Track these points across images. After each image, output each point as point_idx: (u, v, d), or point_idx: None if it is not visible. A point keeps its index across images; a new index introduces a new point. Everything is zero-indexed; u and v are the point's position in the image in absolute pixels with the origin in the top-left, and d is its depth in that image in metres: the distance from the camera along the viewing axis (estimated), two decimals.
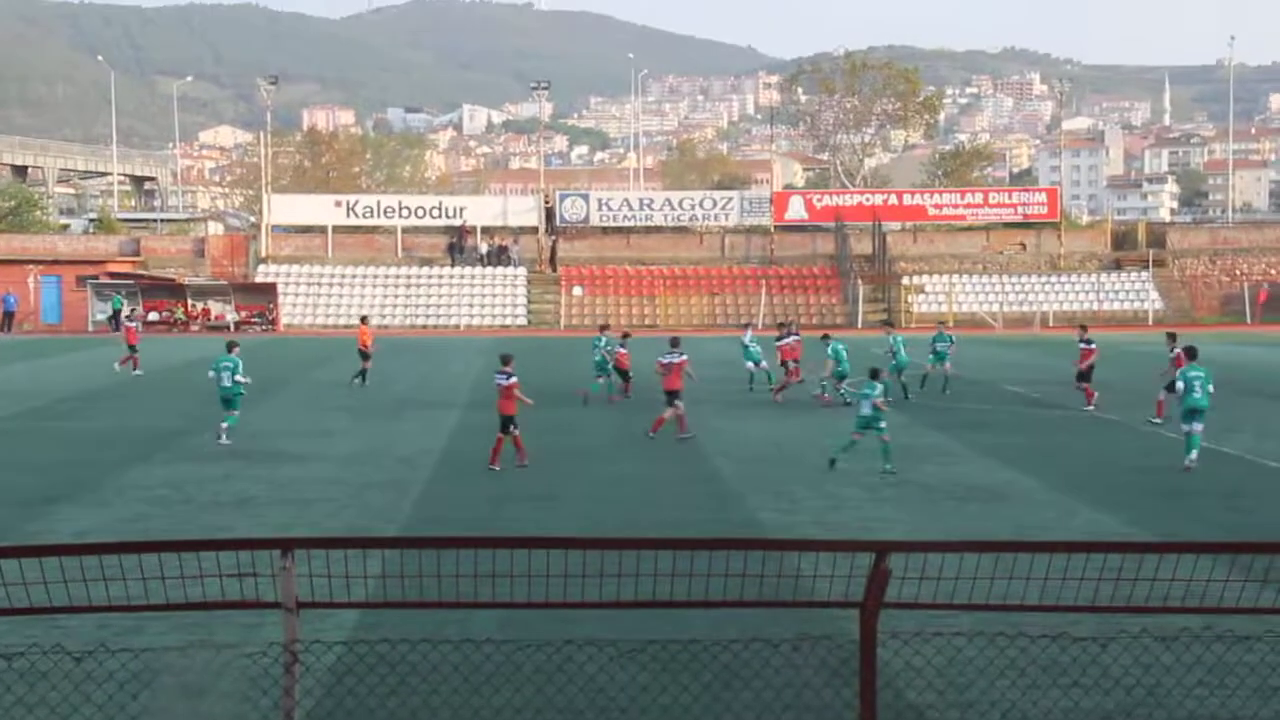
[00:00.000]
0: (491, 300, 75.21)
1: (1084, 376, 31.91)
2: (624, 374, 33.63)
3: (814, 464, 23.20)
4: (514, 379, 22.54)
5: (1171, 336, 30.33)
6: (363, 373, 37.58)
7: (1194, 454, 22.00)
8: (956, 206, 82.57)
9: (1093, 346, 32.01)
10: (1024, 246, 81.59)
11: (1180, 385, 22.58)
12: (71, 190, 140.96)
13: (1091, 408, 30.91)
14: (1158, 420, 28.25)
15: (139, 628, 11.81)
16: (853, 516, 18.42)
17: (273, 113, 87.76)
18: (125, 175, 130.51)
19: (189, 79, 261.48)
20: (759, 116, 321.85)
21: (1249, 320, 73.10)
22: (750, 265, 78.74)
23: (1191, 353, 22.99)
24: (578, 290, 75.72)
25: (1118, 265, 79.87)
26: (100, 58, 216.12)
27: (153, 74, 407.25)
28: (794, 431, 27.80)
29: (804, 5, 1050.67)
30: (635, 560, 7.25)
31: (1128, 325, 71.55)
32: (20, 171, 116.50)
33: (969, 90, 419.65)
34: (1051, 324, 71.52)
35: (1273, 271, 78.18)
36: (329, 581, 7.80)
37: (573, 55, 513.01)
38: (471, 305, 74.62)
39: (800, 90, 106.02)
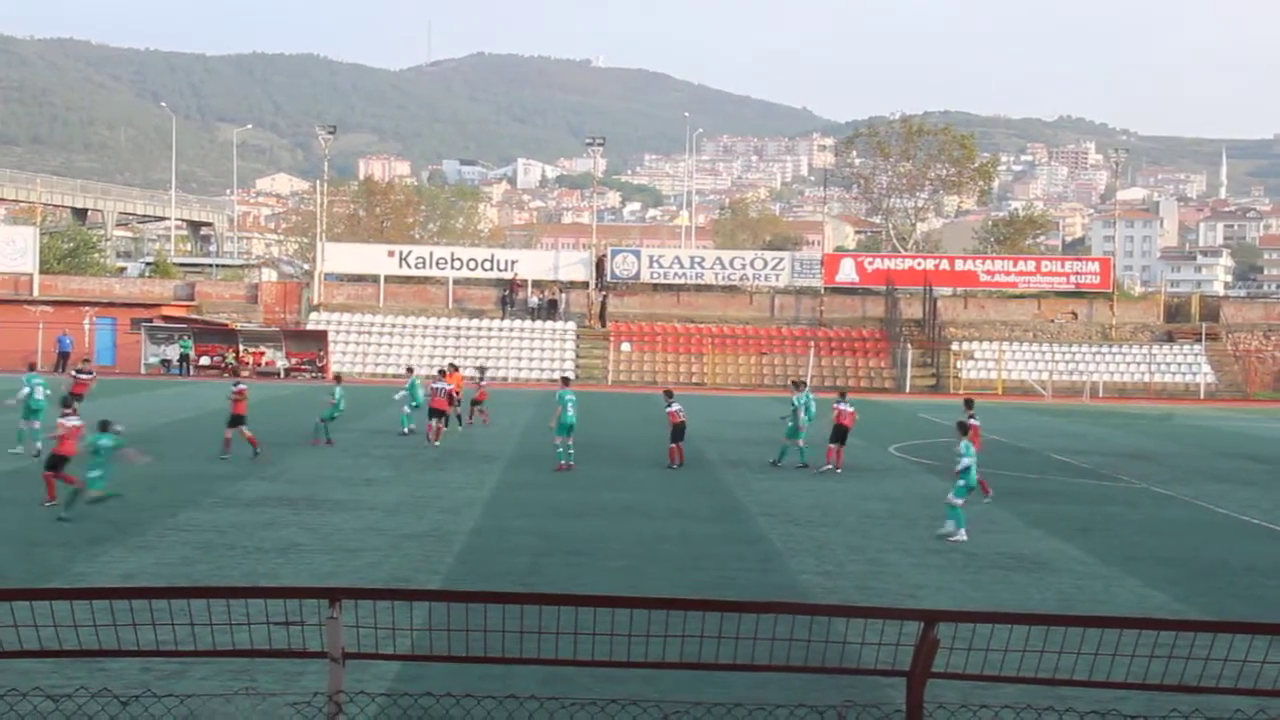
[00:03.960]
0: (540, 354, 75.42)
1: (838, 436, 31.79)
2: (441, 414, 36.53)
3: (857, 526, 23.07)
4: (78, 421, 23.62)
5: (968, 404, 28.88)
6: (454, 419, 38.38)
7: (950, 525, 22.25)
8: (1009, 274, 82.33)
9: (850, 409, 32.06)
10: (1075, 316, 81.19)
11: (966, 461, 22.44)
12: (130, 234, 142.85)
13: (831, 467, 31.43)
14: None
15: (183, 672, 11.83)
16: (896, 583, 18.26)
17: (330, 162, 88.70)
18: (183, 220, 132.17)
19: (249, 127, 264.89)
20: (812, 178, 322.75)
21: None
22: (800, 326, 78.70)
23: (964, 428, 23.29)
24: (626, 346, 75.85)
25: (1170, 338, 79.30)
26: (163, 104, 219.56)
27: (213, 121, 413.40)
28: (836, 493, 27.65)
29: (860, 69, 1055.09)
30: (682, 620, 7.20)
31: (1179, 398, 71.02)
32: (80, 214, 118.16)
33: (1024, 158, 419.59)
34: (1101, 394, 71.04)
35: None
36: (375, 632, 7.79)
37: (628, 112, 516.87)
38: (520, 358, 74.85)
39: (855, 153, 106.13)
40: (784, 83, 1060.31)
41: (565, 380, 34.79)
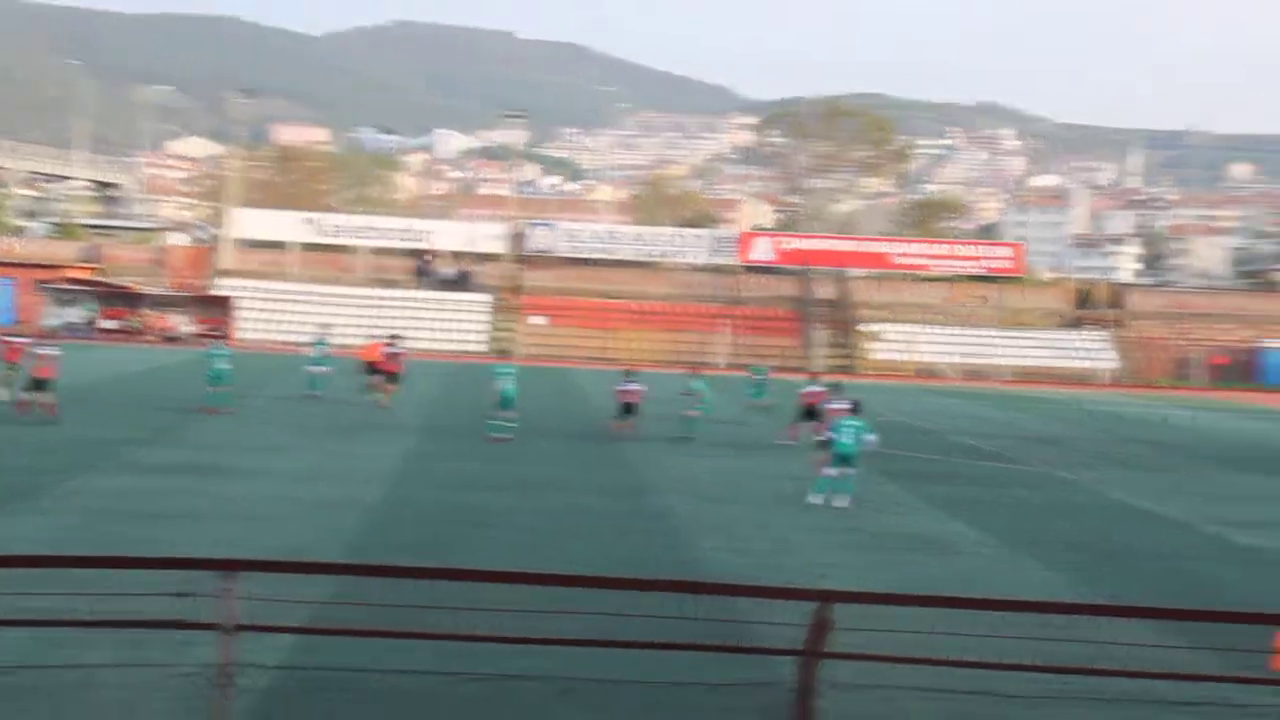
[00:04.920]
0: (454, 325, 75.04)
1: (807, 416, 32.57)
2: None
3: (765, 504, 23.20)
4: None
5: (837, 387, 31.38)
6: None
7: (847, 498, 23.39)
8: (921, 256, 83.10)
9: (820, 390, 32.53)
10: (985, 299, 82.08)
11: (832, 435, 23.83)
12: (34, 193, 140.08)
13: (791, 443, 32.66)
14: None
15: (72, 642, 11.63)
16: (800, 561, 18.38)
17: (245, 126, 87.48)
18: (90, 180, 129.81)
19: (164, 88, 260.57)
20: (733, 156, 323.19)
21: (1197, 384, 73.63)
22: (715, 304, 78.90)
23: (855, 407, 25.34)
24: (540, 319, 75.65)
25: (1078, 323, 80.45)
26: (74, 61, 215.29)
27: (126, 80, 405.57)
28: (747, 470, 27.79)
29: (782, 49, 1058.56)
30: (581, 597, 7.20)
31: (1084, 384, 72.11)
32: None
33: (941, 142, 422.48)
34: (1009, 378, 71.94)
35: (1228, 337, 78.97)
36: (271, 604, 7.71)
37: (550, 85, 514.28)
38: (434, 329, 74.43)
39: (776, 132, 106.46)
40: (705, 60, 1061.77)
41: (503, 353, 35.16)
